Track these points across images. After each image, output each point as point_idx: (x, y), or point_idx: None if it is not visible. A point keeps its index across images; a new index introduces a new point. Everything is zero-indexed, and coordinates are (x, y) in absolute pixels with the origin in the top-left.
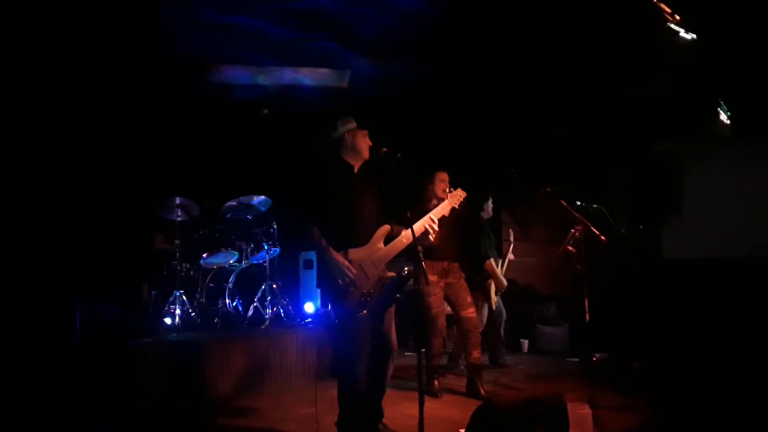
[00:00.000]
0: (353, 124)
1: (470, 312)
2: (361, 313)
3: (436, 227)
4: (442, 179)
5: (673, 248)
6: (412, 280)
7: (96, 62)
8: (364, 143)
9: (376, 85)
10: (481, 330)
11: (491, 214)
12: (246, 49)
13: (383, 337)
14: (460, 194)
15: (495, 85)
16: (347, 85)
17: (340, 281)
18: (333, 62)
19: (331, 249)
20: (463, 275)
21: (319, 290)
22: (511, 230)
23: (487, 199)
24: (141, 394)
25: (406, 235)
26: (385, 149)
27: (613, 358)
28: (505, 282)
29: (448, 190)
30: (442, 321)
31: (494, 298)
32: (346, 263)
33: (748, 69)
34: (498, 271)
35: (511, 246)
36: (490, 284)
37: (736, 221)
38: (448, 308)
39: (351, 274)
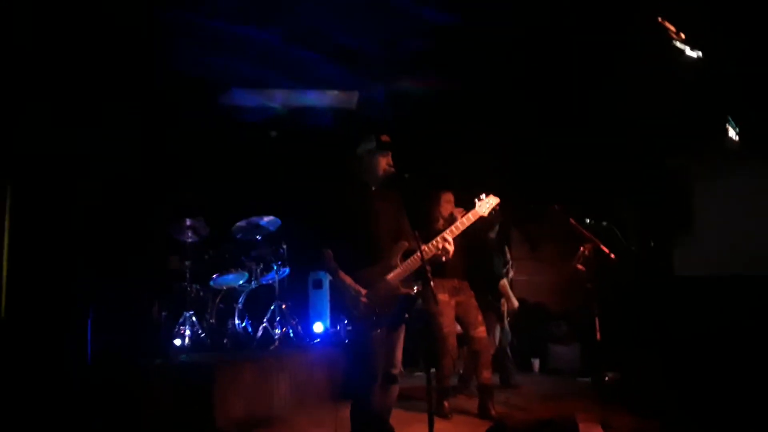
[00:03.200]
0: (372, 144)
1: (481, 331)
2: (376, 332)
3: (450, 248)
4: (447, 200)
5: (685, 265)
6: (420, 300)
7: (109, 85)
8: (380, 165)
9: (385, 106)
10: (493, 351)
11: (495, 234)
12: (256, 72)
13: (390, 357)
14: (491, 202)
15: (504, 102)
16: (356, 107)
17: (349, 302)
18: (342, 84)
19: (340, 272)
20: (473, 294)
21: (328, 310)
22: (506, 248)
23: (499, 221)
24: (151, 415)
25: (417, 254)
26: (392, 169)
27: (626, 378)
28: (516, 303)
29: (478, 198)
30: (452, 341)
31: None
32: (354, 285)
33: (755, 85)
34: (510, 292)
35: (509, 263)
36: (503, 304)
37: (748, 238)
38: (459, 328)
39: (358, 295)
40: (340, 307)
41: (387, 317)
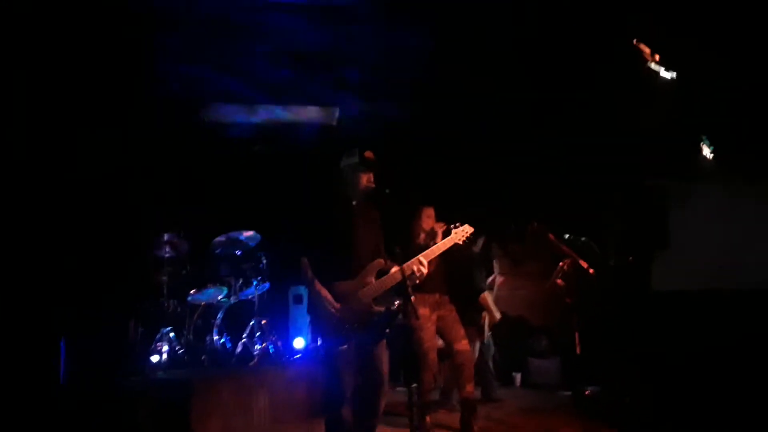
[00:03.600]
0: (354, 159)
1: (464, 344)
2: (344, 347)
3: (424, 270)
4: (428, 215)
5: (662, 280)
6: (401, 315)
7: (92, 101)
8: (362, 181)
9: (365, 122)
10: (474, 364)
11: (479, 249)
12: (237, 88)
13: (372, 372)
14: (466, 230)
15: (486, 119)
16: (336, 123)
17: (322, 313)
18: (322, 100)
19: (316, 282)
20: (454, 308)
21: (308, 326)
22: (496, 263)
23: (481, 236)
24: None
25: (397, 272)
26: (373, 185)
27: (605, 392)
28: (498, 315)
29: (454, 225)
30: (433, 356)
31: (487, 332)
32: (329, 297)
33: (730, 106)
34: (492, 305)
35: (494, 276)
36: (484, 318)
37: (723, 254)
38: (440, 342)
39: (332, 308)
40: (312, 319)
41: (357, 333)
